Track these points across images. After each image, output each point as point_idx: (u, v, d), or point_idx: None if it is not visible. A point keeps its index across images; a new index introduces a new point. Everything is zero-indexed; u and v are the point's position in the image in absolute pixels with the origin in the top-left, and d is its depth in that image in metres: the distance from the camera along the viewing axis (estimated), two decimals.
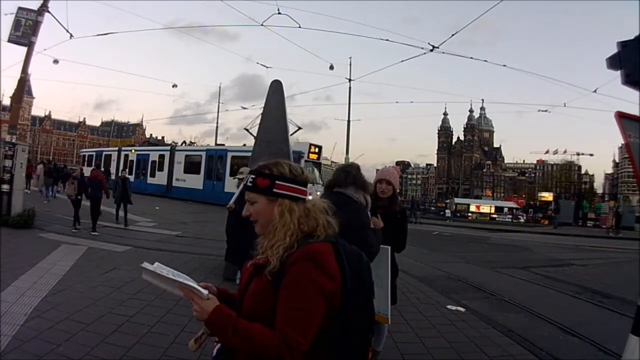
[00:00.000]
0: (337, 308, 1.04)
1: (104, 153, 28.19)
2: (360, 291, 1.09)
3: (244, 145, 19.59)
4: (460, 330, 3.95)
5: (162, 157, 22.05)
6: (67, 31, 10.63)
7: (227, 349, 1.06)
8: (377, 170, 3.09)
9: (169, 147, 23.06)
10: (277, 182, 1.13)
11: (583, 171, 74.63)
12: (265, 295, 1.05)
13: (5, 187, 8.41)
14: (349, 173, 2.32)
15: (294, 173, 1.16)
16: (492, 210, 37.90)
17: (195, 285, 1.05)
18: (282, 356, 0.96)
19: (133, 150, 24.86)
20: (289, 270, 1.02)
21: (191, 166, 20.36)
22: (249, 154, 16.14)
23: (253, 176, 1.15)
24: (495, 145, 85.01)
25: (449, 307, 4.70)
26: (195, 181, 19.64)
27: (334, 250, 1.07)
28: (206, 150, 20.53)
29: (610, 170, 73.63)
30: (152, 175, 22.41)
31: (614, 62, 2.52)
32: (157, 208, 14.50)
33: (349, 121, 22.36)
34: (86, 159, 29.42)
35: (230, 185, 15.03)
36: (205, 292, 1.05)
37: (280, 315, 1.00)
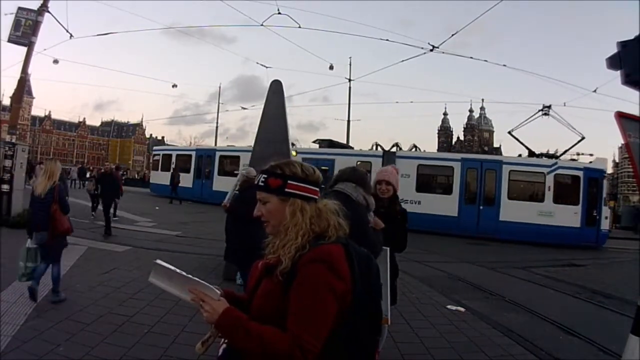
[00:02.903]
0: (347, 309, 1.04)
1: (219, 154, 18.71)
2: (369, 292, 1.10)
3: (520, 155, 14.54)
4: (460, 330, 3.95)
5: (363, 165, 14.35)
6: (67, 31, 10.68)
7: (234, 349, 1.05)
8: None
9: (380, 152, 15.12)
10: (289, 181, 1.13)
11: None
12: (275, 295, 1.04)
13: (5, 187, 8.42)
14: (347, 171, 2.32)
15: (305, 173, 1.16)
16: None
17: (207, 285, 1.04)
18: (295, 358, 0.95)
19: (294, 152, 15.42)
20: (301, 271, 1.02)
21: (432, 182, 13.94)
22: (531, 167, 13.12)
23: (265, 176, 1.15)
24: (495, 145, 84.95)
25: (449, 307, 4.70)
26: (444, 204, 13.15)
27: (345, 251, 1.07)
28: (461, 159, 13.79)
29: (610, 170, 73.65)
30: None
31: (614, 62, 2.53)
32: (157, 208, 14.50)
33: (348, 121, 22.44)
34: (173, 160, 20.08)
35: (510, 212, 12.46)
36: (218, 291, 1.05)
37: (292, 317, 0.99)
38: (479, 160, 13.92)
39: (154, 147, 28.24)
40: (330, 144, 17.08)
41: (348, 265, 1.05)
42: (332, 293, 1.00)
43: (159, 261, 1.09)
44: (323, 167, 14.38)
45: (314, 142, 17.94)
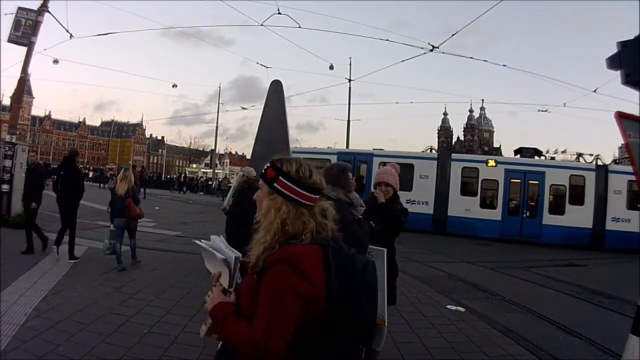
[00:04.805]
0: (320, 312, 1.02)
1: (377, 160, 13.63)
2: (351, 295, 1.06)
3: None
4: (460, 330, 3.96)
5: (577, 179, 12.75)
6: (67, 31, 10.68)
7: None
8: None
9: (593, 166, 13.29)
10: (280, 177, 1.14)
11: None
12: (254, 293, 1.06)
13: (5, 187, 8.41)
14: (322, 173, 2.32)
15: (299, 174, 1.14)
16: None
17: (225, 277, 1.16)
18: (251, 356, 0.99)
19: (493, 162, 13.70)
20: (267, 271, 1.03)
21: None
22: None
23: (268, 165, 1.19)
24: (495, 145, 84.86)
25: (449, 307, 4.70)
26: None
27: (323, 252, 1.06)
28: None
29: None
30: (556, 210, 12.82)
31: (614, 62, 2.54)
32: (156, 208, 14.50)
33: (349, 121, 22.37)
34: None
35: None
36: (226, 286, 1.15)
37: (256, 317, 1.01)
38: None
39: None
40: (536, 152, 14.80)
41: (324, 266, 1.04)
42: (294, 294, 0.99)
43: (197, 242, 1.25)
44: (532, 182, 13.16)
45: (516, 151, 15.52)
